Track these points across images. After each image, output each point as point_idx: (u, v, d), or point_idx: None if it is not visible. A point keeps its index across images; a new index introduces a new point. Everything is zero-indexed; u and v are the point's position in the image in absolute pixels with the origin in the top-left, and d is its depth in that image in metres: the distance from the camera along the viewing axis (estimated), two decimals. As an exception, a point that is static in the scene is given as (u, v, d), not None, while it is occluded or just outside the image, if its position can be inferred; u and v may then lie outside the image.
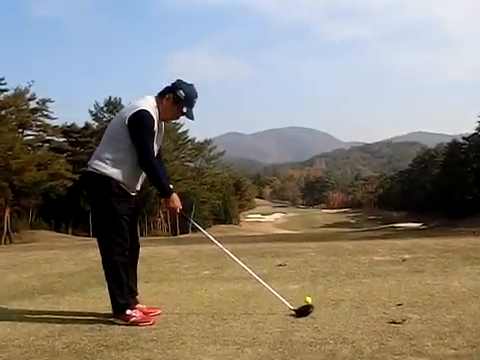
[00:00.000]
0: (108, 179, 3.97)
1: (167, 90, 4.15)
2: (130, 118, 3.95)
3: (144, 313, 4.15)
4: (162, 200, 4.23)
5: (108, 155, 4.01)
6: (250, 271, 4.44)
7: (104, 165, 3.99)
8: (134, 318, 3.90)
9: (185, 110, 4.15)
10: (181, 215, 4.30)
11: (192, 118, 4.22)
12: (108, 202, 3.99)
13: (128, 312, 3.92)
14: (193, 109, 4.21)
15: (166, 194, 4.07)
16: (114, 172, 3.97)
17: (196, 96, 4.19)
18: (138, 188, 4.21)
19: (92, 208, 4.21)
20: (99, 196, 4.04)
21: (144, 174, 4.12)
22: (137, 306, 4.19)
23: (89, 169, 4.08)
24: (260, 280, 4.38)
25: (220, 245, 4.45)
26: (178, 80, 4.19)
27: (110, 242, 3.99)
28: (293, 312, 4.02)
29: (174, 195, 4.08)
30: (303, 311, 4.01)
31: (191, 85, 4.18)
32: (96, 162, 4.04)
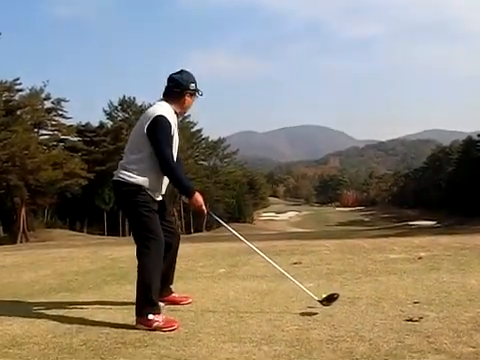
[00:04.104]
0: (135, 186, 4.06)
1: (179, 90, 4.21)
2: (148, 126, 4.03)
3: (176, 301, 4.50)
4: (183, 198, 4.31)
5: (133, 165, 4.10)
6: (279, 268, 4.51)
7: (130, 174, 4.07)
8: (157, 323, 3.82)
9: (200, 94, 4.33)
10: (207, 212, 4.36)
11: (202, 94, 4.36)
12: (136, 202, 4.06)
13: (150, 317, 3.85)
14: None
15: (190, 195, 4.13)
16: (141, 180, 4.05)
17: (193, 75, 4.32)
18: (163, 192, 4.31)
19: (124, 212, 4.33)
20: (128, 200, 4.12)
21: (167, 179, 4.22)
22: (172, 295, 4.56)
23: (116, 178, 4.16)
24: (289, 276, 4.45)
25: (246, 241, 4.54)
26: (177, 76, 4.24)
27: (144, 239, 4.04)
28: (320, 303, 4.10)
29: (197, 194, 4.13)
30: (328, 299, 4.11)
31: (183, 71, 4.28)
32: (122, 172, 4.12)
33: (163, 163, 4.05)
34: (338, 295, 4.13)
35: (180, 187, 4.17)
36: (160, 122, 4.03)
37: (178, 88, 4.20)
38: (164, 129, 4.04)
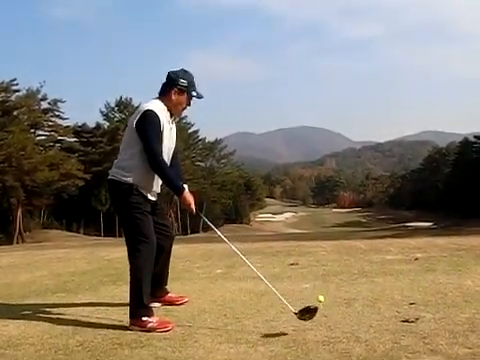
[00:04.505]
0: (127, 184, 4.05)
1: (168, 86, 4.17)
2: (136, 122, 4.03)
3: (172, 301, 4.51)
4: (175, 197, 4.30)
5: (125, 162, 4.10)
6: (256, 270, 4.34)
7: (122, 172, 4.07)
8: (151, 324, 3.82)
9: (194, 94, 4.22)
10: (196, 212, 4.33)
11: (202, 97, 4.28)
12: (129, 204, 4.05)
13: (144, 318, 3.85)
14: (197, 88, 4.26)
15: (178, 192, 4.11)
16: (132, 178, 4.04)
17: (193, 76, 4.24)
18: (157, 190, 4.28)
19: (117, 213, 4.31)
20: (121, 200, 4.11)
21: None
22: (168, 295, 4.55)
23: (110, 177, 4.16)
24: (265, 280, 4.25)
25: (230, 244, 4.45)
26: (171, 72, 4.21)
27: (136, 242, 4.03)
28: (295, 314, 3.77)
29: (186, 193, 4.10)
30: (303, 313, 3.73)
31: (182, 70, 4.23)
32: (115, 170, 4.13)
33: (151, 159, 4.01)
34: (316, 308, 3.71)
35: (168, 184, 4.13)
36: (148, 117, 4.00)
37: (166, 83, 4.18)
38: (152, 124, 4.00)
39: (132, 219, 4.05)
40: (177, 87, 4.14)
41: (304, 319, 3.71)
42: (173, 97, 4.15)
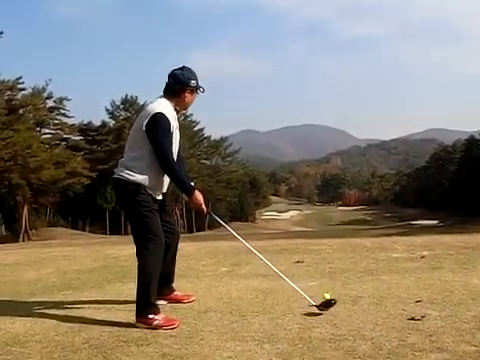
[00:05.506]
0: (135, 184, 4.04)
1: (178, 87, 4.19)
2: (147, 124, 4.02)
3: (179, 300, 4.51)
4: (183, 195, 4.32)
5: (133, 163, 4.09)
6: (272, 267, 4.48)
7: (130, 172, 4.06)
8: (157, 321, 3.83)
9: (202, 90, 4.32)
10: (207, 211, 4.35)
11: (203, 91, 4.35)
12: (137, 202, 4.05)
13: (150, 316, 3.86)
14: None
15: (189, 193, 4.12)
16: (140, 178, 4.04)
17: (195, 73, 4.29)
18: (164, 190, 4.29)
19: (124, 211, 4.30)
20: (128, 199, 4.11)
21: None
22: (174, 294, 4.57)
23: (116, 176, 4.15)
24: (282, 276, 4.41)
25: (244, 241, 4.53)
26: (178, 73, 4.21)
27: (144, 239, 4.03)
28: (314, 307, 4.01)
29: (197, 192, 4.13)
30: (325, 305, 4.00)
31: (185, 68, 4.26)
32: (123, 170, 4.11)
33: (163, 161, 4.04)
34: (335, 301, 4.02)
35: (179, 185, 4.16)
36: (159, 119, 4.01)
37: (178, 85, 4.18)
38: (163, 127, 4.02)
39: (140, 217, 4.05)
40: (189, 87, 4.20)
41: (325, 310, 3.97)
42: (185, 98, 4.22)
